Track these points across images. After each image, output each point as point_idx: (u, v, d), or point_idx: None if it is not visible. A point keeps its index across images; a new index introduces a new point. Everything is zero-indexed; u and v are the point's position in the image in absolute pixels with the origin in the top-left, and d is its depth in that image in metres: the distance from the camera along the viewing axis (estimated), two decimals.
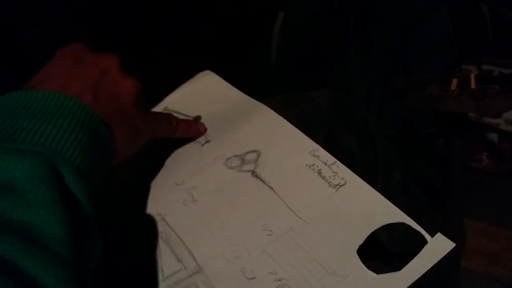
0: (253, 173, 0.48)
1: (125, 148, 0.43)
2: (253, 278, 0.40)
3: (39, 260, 0.28)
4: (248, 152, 0.49)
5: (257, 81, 0.57)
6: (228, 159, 0.50)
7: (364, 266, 0.39)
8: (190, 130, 0.53)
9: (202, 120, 0.55)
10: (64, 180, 0.33)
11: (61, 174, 0.33)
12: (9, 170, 0.30)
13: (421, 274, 0.37)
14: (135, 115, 0.43)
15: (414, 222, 0.40)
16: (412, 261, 0.38)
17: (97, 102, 0.40)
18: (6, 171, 0.30)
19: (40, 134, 0.34)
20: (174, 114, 0.56)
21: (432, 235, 0.39)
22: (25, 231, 0.29)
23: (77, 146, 0.35)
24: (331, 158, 0.46)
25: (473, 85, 1.08)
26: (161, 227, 0.46)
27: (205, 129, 0.54)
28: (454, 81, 1.08)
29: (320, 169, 0.46)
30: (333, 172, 0.45)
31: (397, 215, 0.41)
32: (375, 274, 0.38)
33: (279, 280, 0.40)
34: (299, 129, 0.50)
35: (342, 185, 0.44)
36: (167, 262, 0.43)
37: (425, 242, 0.39)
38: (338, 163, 0.46)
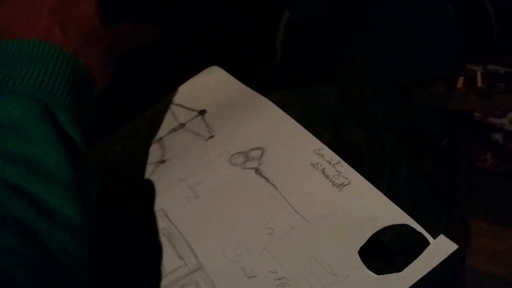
0: (257, 171, 0.47)
1: (105, 71, 0.44)
2: (253, 277, 0.40)
3: (46, 185, 0.31)
4: (252, 149, 0.49)
5: (261, 80, 0.57)
6: (232, 155, 0.49)
7: (365, 267, 0.39)
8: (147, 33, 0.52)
9: (207, 114, 0.55)
10: (57, 118, 0.34)
11: (54, 113, 0.34)
12: (6, 110, 0.33)
13: (422, 275, 0.37)
14: (105, 33, 0.44)
15: (417, 224, 0.39)
16: (414, 262, 0.37)
17: (67, 37, 0.40)
18: (3, 111, 0.32)
19: (28, 79, 0.35)
20: (179, 108, 0.56)
21: (437, 233, 0.39)
22: (30, 163, 0.32)
23: (64, 87, 0.36)
24: (335, 157, 0.46)
25: (479, 83, 1.08)
26: (163, 223, 0.46)
27: (159, 33, 0.53)
28: (460, 79, 1.07)
29: (324, 168, 0.45)
30: (337, 171, 0.45)
31: (400, 217, 0.41)
32: (376, 275, 0.38)
33: (279, 279, 0.40)
34: (307, 123, 0.49)
35: (346, 185, 0.44)
36: (168, 259, 0.43)
37: (427, 243, 0.38)
38: (343, 162, 0.45)
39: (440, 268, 0.37)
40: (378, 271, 0.38)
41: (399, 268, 0.38)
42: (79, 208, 0.33)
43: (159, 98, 0.60)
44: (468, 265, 1.17)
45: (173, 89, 0.60)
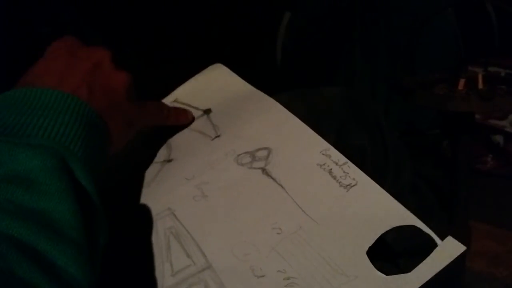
0: (264, 171, 0.47)
1: (119, 139, 0.45)
2: (262, 276, 0.40)
3: (56, 244, 0.31)
4: (259, 149, 0.49)
5: (262, 81, 0.57)
6: (238, 155, 0.49)
7: (373, 267, 0.39)
8: (179, 118, 0.54)
9: (212, 113, 0.55)
10: (72, 171, 0.35)
11: (69, 166, 0.35)
12: (23, 163, 0.33)
13: (430, 276, 0.37)
14: (128, 107, 0.45)
15: (424, 225, 0.40)
16: (422, 263, 0.37)
17: (92, 97, 0.41)
18: (20, 164, 0.33)
19: (45, 129, 0.35)
20: (184, 107, 0.56)
21: (439, 235, 0.39)
22: (41, 218, 0.32)
23: (79, 140, 0.37)
24: (342, 158, 0.46)
25: (480, 85, 1.08)
26: (171, 222, 0.46)
27: (193, 117, 0.55)
28: (462, 81, 1.08)
29: (331, 169, 0.45)
30: (344, 172, 0.45)
31: (408, 218, 0.41)
32: (385, 276, 0.38)
33: (288, 279, 0.40)
34: (311, 124, 0.49)
35: (353, 186, 0.44)
36: (176, 258, 0.43)
37: (434, 244, 0.38)
38: (350, 163, 0.45)
39: (443, 270, 0.37)
40: (382, 272, 0.38)
41: (402, 269, 0.38)
42: (85, 269, 0.33)
43: (160, 96, 0.60)
44: (469, 267, 1.17)
45: (173, 88, 0.60)
